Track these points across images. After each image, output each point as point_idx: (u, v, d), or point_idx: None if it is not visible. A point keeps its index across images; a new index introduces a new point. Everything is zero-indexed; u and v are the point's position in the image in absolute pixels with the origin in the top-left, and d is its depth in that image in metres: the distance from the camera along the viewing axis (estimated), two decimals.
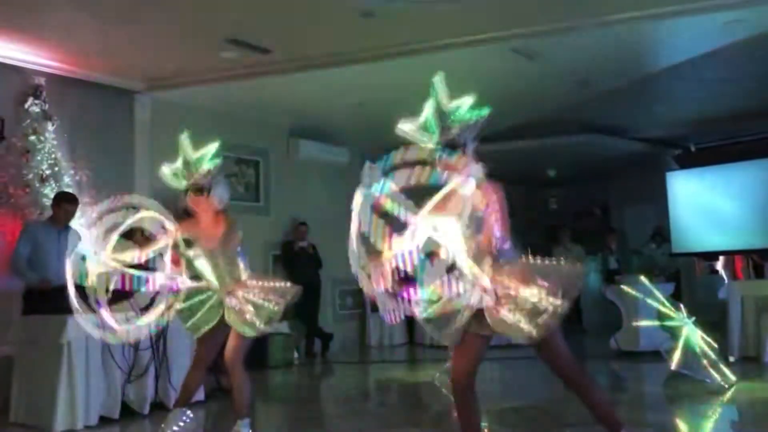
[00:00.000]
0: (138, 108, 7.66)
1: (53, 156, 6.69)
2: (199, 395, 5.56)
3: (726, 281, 8.46)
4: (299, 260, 8.80)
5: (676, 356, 5.69)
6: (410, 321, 10.29)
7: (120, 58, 6.88)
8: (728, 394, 5.30)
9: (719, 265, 11.13)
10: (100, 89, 7.28)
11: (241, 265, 3.95)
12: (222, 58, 6.82)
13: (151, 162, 7.72)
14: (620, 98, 8.84)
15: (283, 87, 7.64)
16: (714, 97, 8.97)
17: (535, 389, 6.31)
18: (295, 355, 8.45)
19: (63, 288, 5.19)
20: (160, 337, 5.27)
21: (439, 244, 3.02)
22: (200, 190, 3.89)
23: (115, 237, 3.74)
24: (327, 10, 5.80)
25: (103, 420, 4.91)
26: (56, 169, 6.70)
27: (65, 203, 5.80)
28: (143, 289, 3.82)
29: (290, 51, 6.78)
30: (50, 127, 6.72)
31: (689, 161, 11.21)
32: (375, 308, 10.30)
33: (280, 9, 5.79)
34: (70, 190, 6.29)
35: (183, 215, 4.03)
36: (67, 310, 4.87)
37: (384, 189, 2.98)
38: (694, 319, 5.82)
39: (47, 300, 5.23)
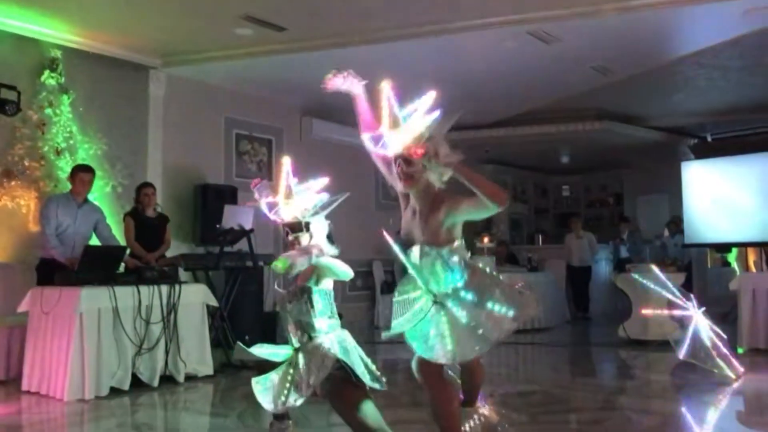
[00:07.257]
0: (153, 83, 7.67)
1: (68, 129, 6.74)
2: (208, 370, 5.63)
3: (738, 273, 8.40)
4: None
5: (685, 346, 5.67)
6: None
7: (136, 34, 6.88)
8: (735, 385, 5.29)
9: (732, 257, 11.06)
10: (116, 64, 7.29)
11: None
12: (237, 35, 6.82)
13: (164, 137, 7.75)
14: (638, 86, 8.76)
15: (297, 65, 7.61)
16: (734, 86, 8.87)
17: (541, 374, 6.32)
18: None
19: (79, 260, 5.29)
20: (171, 311, 5.34)
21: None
22: None
23: None
24: None
25: (114, 391, 4.99)
26: (71, 142, 6.76)
27: (81, 173, 5.87)
28: None
29: (305, 29, 6.76)
30: (66, 100, 6.76)
31: (705, 152, 11.11)
32: (384, 290, 10.35)
33: None
34: (85, 164, 6.33)
35: None
36: (81, 281, 4.98)
37: None
38: (704, 309, 5.79)
39: (61, 272, 5.31)
